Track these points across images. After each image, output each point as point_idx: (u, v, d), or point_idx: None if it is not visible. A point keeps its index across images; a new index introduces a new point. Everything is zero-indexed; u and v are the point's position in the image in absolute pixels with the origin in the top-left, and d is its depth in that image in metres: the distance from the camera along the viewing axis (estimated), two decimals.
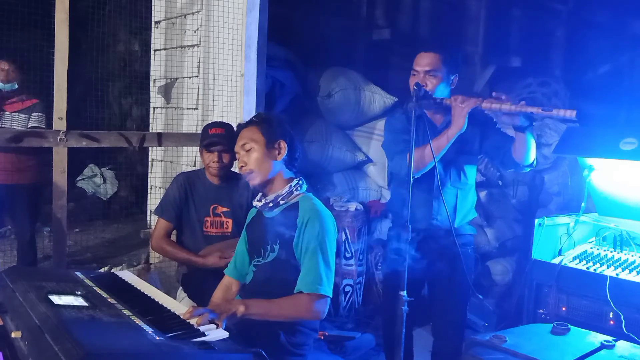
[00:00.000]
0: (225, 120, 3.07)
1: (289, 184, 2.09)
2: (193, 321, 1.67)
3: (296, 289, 1.96)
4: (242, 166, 2.08)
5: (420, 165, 2.38)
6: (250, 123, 2.14)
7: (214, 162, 2.74)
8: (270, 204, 2.09)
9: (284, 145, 2.10)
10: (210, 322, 1.68)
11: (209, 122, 3.06)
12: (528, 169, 2.55)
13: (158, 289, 2.10)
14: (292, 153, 2.12)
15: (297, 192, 2.10)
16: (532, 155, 2.47)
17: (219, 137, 2.70)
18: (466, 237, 2.62)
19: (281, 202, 2.08)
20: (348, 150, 4.26)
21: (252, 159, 2.06)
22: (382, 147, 2.70)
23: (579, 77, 5.10)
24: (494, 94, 2.35)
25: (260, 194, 2.15)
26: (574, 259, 2.88)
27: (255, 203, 2.15)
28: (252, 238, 2.20)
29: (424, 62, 2.48)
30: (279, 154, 2.09)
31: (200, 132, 2.89)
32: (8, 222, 5.14)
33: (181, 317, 1.71)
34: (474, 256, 2.70)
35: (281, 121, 2.16)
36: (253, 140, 2.07)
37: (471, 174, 2.63)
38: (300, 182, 2.12)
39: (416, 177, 2.41)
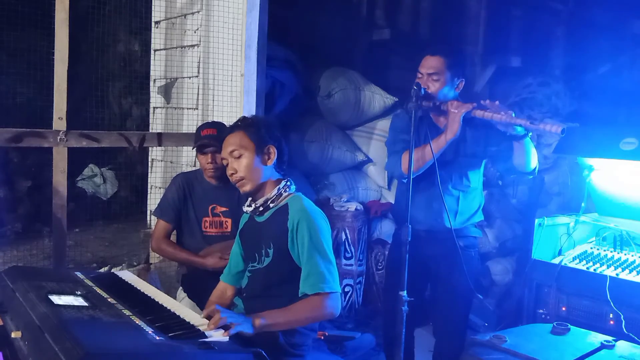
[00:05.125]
0: (225, 121, 3.07)
1: (277, 187, 2.07)
2: (212, 330, 1.66)
3: (300, 292, 1.94)
4: (232, 173, 2.05)
5: (415, 165, 2.37)
6: (236, 128, 2.09)
7: (208, 163, 2.74)
8: (261, 208, 2.07)
9: (273, 150, 2.07)
10: (226, 327, 1.68)
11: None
12: (530, 177, 2.56)
13: (158, 289, 2.10)
14: (281, 157, 2.10)
15: (286, 193, 2.08)
16: (533, 163, 2.46)
17: (211, 139, 2.69)
18: (469, 239, 2.61)
19: (271, 205, 2.07)
20: (348, 150, 4.25)
21: (242, 166, 2.02)
22: (385, 145, 2.70)
23: (579, 77, 5.09)
24: (483, 102, 2.34)
25: (249, 199, 2.13)
26: (574, 259, 2.88)
27: (245, 209, 2.14)
28: (246, 244, 2.19)
29: (428, 64, 2.47)
30: (269, 159, 2.06)
31: None
32: (9, 222, 5.14)
33: (198, 325, 1.70)
34: (478, 258, 2.69)
35: (269, 125, 2.12)
36: (242, 146, 2.03)
37: (475, 177, 2.60)
38: (288, 182, 2.10)
39: (412, 177, 2.41)
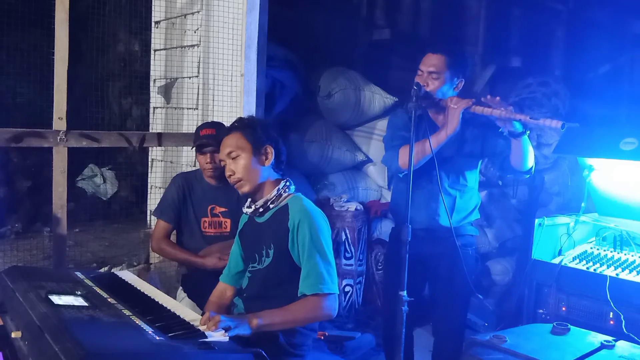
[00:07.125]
0: (225, 121, 3.07)
1: (277, 187, 2.08)
2: (210, 329, 1.66)
3: (299, 292, 1.95)
4: (230, 175, 2.06)
5: (414, 158, 2.36)
6: (232, 129, 2.10)
7: (207, 163, 2.74)
8: (261, 209, 2.08)
9: (270, 150, 2.07)
10: (225, 329, 1.68)
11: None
12: (527, 176, 2.56)
13: (158, 289, 2.10)
14: (279, 156, 2.11)
15: (286, 194, 2.08)
16: (530, 162, 2.46)
17: (210, 138, 2.69)
18: (467, 238, 2.62)
19: (271, 206, 2.07)
20: (348, 150, 4.25)
21: (240, 167, 2.03)
22: (383, 141, 2.71)
23: (579, 77, 5.10)
24: (483, 98, 2.34)
25: (249, 200, 2.13)
26: (574, 259, 2.88)
27: (245, 210, 2.14)
28: (245, 244, 2.19)
29: (428, 62, 2.48)
30: (266, 159, 2.07)
31: None
32: (9, 222, 5.14)
33: (197, 326, 1.70)
34: (476, 257, 2.70)
35: (265, 125, 2.13)
36: (239, 147, 2.04)
37: (472, 177, 2.61)
38: (288, 183, 2.11)
39: (406, 172, 2.41)
